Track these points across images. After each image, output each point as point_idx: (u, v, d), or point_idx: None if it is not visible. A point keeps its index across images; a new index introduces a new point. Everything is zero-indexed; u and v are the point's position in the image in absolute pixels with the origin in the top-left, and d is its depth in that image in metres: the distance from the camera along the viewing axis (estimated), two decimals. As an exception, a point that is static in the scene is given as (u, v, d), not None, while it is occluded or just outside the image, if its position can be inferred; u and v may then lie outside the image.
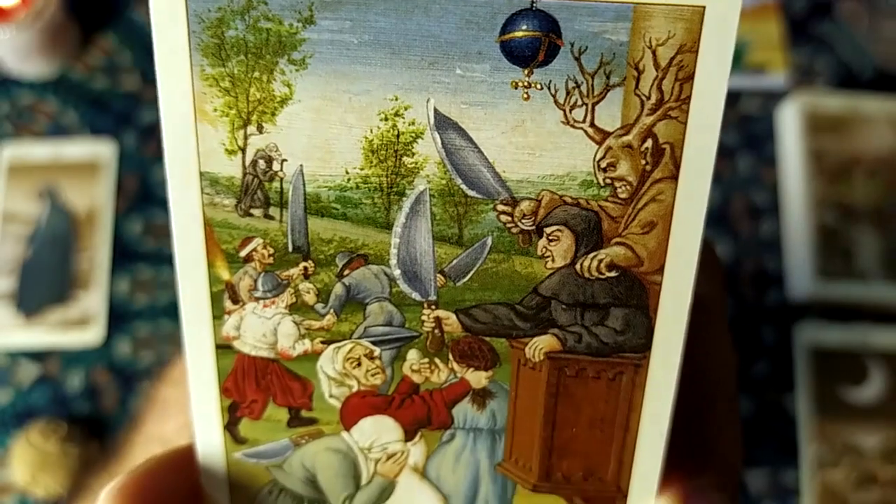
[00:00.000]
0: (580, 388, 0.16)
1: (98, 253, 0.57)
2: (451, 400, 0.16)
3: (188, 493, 0.17)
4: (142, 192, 0.59)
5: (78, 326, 0.55)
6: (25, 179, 0.58)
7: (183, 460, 0.17)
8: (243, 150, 0.15)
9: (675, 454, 0.16)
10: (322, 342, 0.16)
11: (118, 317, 0.56)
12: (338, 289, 0.16)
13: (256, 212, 0.15)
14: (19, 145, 0.59)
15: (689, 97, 0.13)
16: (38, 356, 0.55)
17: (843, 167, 0.58)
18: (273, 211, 0.15)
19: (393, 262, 0.15)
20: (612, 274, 0.15)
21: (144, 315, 0.56)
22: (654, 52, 0.13)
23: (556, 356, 0.16)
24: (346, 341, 0.16)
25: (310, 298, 0.16)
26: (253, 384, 0.16)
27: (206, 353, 0.16)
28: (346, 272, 0.15)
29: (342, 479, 0.17)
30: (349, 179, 0.14)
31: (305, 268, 0.16)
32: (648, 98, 0.14)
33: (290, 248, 0.15)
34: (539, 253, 0.15)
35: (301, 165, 0.15)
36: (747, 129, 0.61)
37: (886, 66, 0.63)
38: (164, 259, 0.57)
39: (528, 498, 0.17)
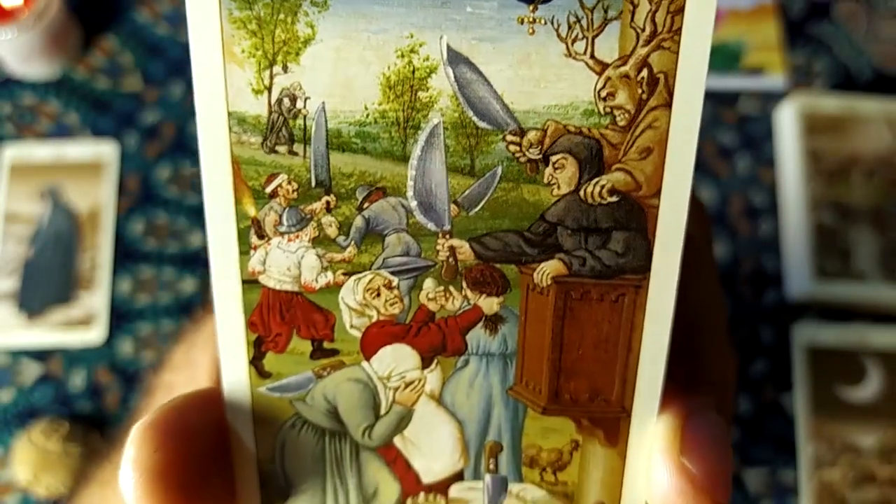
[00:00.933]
0: (585, 311, 0.16)
1: (100, 253, 0.57)
2: (464, 326, 0.17)
3: (214, 429, 0.17)
4: (143, 192, 0.59)
5: (80, 326, 0.55)
6: (27, 180, 0.58)
7: (209, 398, 0.17)
8: (269, 90, 0.15)
9: (672, 379, 0.17)
10: (343, 274, 0.17)
11: (120, 316, 0.56)
12: (358, 221, 0.16)
13: (281, 148, 0.16)
14: (21, 146, 0.59)
15: (679, 28, 0.14)
16: (40, 355, 0.55)
17: (841, 167, 0.59)
18: (297, 147, 0.16)
19: (410, 193, 0.16)
20: (613, 199, 0.16)
21: (146, 314, 0.56)
22: None
23: (562, 280, 0.16)
24: (366, 272, 0.17)
25: (332, 231, 0.16)
26: (278, 317, 0.17)
27: (234, 289, 0.17)
28: (365, 205, 0.16)
29: (362, 409, 0.18)
30: (368, 115, 0.15)
31: (328, 202, 0.16)
32: (643, 30, 0.14)
33: (313, 183, 0.16)
34: (545, 181, 0.15)
35: (323, 102, 0.15)
36: (746, 129, 0.61)
37: (884, 66, 0.63)
38: (166, 259, 0.58)
39: (538, 420, 0.17)
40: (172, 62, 0.62)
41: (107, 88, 0.61)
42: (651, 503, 0.17)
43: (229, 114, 0.16)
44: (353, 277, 0.17)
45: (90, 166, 0.59)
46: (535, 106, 0.15)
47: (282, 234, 0.16)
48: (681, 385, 0.17)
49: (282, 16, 0.14)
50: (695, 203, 0.17)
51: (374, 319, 0.17)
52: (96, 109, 0.61)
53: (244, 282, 0.17)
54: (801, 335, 0.56)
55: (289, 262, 0.17)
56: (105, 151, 0.59)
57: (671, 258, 0.16)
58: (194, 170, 0.60)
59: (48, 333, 0.55)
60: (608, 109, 0.15)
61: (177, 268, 0.57)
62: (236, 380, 0.17)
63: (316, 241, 0.16)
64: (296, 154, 0.16)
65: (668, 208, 0.15)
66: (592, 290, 0.16)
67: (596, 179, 0.16)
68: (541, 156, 0.15)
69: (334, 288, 0.17)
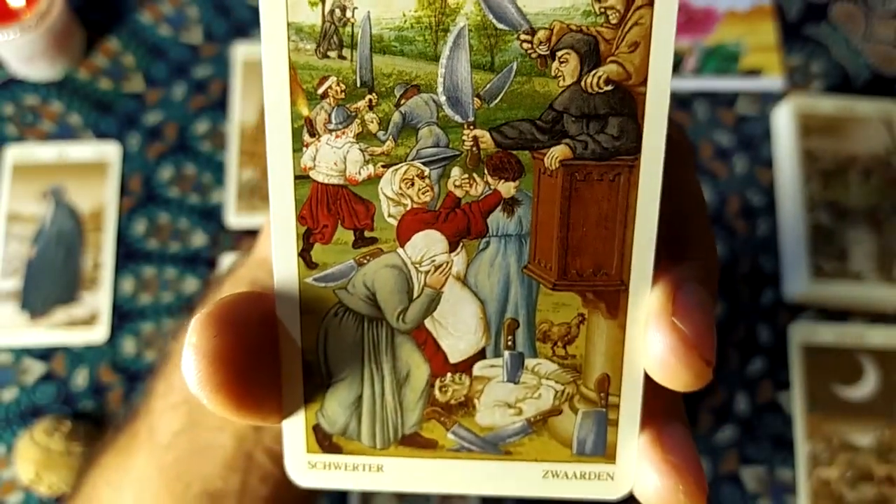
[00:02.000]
0: (588, 190, 0.18)
1: (102, 253, 0.57)
2: (486, 210, 0.19)
3: (264, 322, 0.19)
4: (145, 192, 0.59)
5: (82, 325, 0.56)
6: (30, 180, 0.59)
7: (259, 295, 0.19)
8: (323, 2, 0.18)
9: (662, 257, 0.19)
10: (382, 166, 0.19)
11: (122, 315, 0.56)
12: (395, 117, 0.18)
13: (332, 53, 0.18)
14: (24, 146, 0.60)
15: None
16: (42, 355, 0.56)
17: (838, 168, 0.59)
18: (345, 52, 0.18)
19: (440, 89, 0.18)
20: (609, 88, 0.18)
21: (148, 314, 0.57)
22: None
23: (568, 163, 0.18)
24: (401, 164, 0.19)
25: (373, 127, 0.18)
26: (325, 210, 0.19)
27: (287, 184, 0.19)
28: (402, 101, 0.18)
29: (397, 294, 0.19)
30: (406, 21, 0.18)
31: (370, 100, 0.18)
32: None
33: (358, 84, 0.18)
34: (552, 74, 0.18)
35: (368, 11, 0.18)
36: (743, 130, 0.62)
37: (881, 68, 0.64)
38: (168, 259, 0.58)
39: (549, 296, 0.19)
40: (174, 64, 0.62)
41: (109, 89, 0.61)
42: (647, 364, 0.19)
43: (288, 24, 0.18)
44: (391, 169, 0.19)
45: (92, 167, 0.59)
46: (543, 9, 0.17)
47: (330, 131, 0.18)
48: (669, 260, 0.19)
49: None
50: (677, 132, 0.20)
51: (408, 208, 0.19)
52: (99, 110, 0.61)
53: (296, 177, 0.19)
54: (798, 334, 0.57)
55: (336, 156, 0.19)
56: (107, 152, 0.60)
57: (657, 140, 0.18)
58: (196, 171, 0.60)
59: (51, 333, 0.56)
60: (602, 10, 0.17)
61: (179, 267, 0.58)
62: (287, 272, 0.19)
63: (359, 137, 0.18)
64: (344, 58, 0.18)
65: (653, 94, 0.18)
66: (594, 171, 0.18)
67: (594, 71, 0.18)
68: (549, 52, 0.18)
69: (374, 179, 0.19)
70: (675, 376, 0.18)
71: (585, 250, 0.19)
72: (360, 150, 0.18)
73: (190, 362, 0.17)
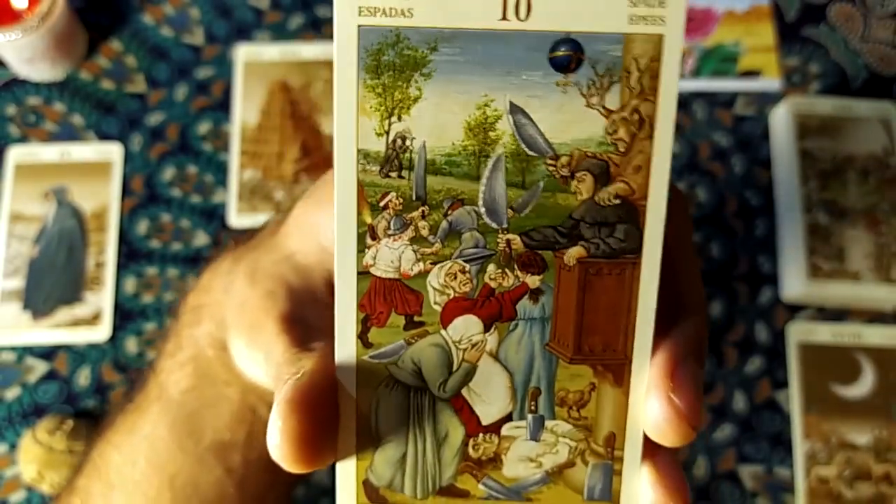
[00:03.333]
0: (599, 283, 0.22)
1: (105, 252, 0.58)
2: (515, 298, 0.23)
3: (331, 395, 0.22)
4: (148, 192, 0.60)
5: (85, 324, 0.56)
6: (33, 180, 0.59)
7: (330, 375, 0.22)
8: (387, 133, 0.21)
9: (660, 331, 0.22)
10: (431, 263, 0.22)
11: (124, 315, 0.57)
12: (443, 224, 0.22)
13: (393, 174, 0.22)
14: (26, 147, 0.60)
15: (657, 87, 0.21)
16: (45, 354, 0.56)
17: (835, 168, 0.59)
18: (404, 173, 0.22)
19: (480, 202, 0.22)
20: (617, 201, 0.22)
21: (150, 313, 0.57)
22: (636, 62, 0.21)
23: (583, 261, 0.22)
24: (447, 261, 0.22)
25: (425, 232, 0.22)
26: (381, 299, 0.23)
27: (351, 279, 0.22)
28: (449, 212, 0.22)
29: (440, 368, 0.23)
30: (454, 148, 0.22)
31: (423, 211, 0.22)
32: (635, 89, 0.21)
33: (413, 198, 0.22)
34: (572, 190, 0.22)
35: (424, 141, 0.21)
36: (741, 131, 0.62)
37: (879, 68, 0.64)
38: (170, 258, 0.58)
39: (566, 368, 0.23)
40: (176, 64, 0.63)
41: (111, 90, 0.62)
42: (645, 427, 0.23)
43: (358, 150, 0.21)
44: (438, 265, 0.22)
45: (95, 167, 0.59)
46: (565, 140, 0.21)
47: (389, 235, 0.22)
48: (667, 331, 0.23)
49: (399, 83, 0.21)
50: (679, 198, 0.24)
51: (451, 296, 0.23)
52: (101, 111, 0.61)
53: (359, 273, 0.22)
54: (796, 334, 0.57)
55: (392, 256, 0.22)
56: (109, 152, 0.60)
57: (655, 242, 0.22)
58: (197, 171, 0.60)
59: (53, 332, 0.56)
60: (613, 141, 0.21)
61: (180, 267, 0.58)
62: (347, 351, 0.23)
63: (413, 240, 0.22)
64: (402, 178, 0.22)
65: (653, 207, 0.22)
66: (604, 268, 0.22)
67: (606, 188, 0.22)
68: (569, 173, 0.22)
69: (424, 274, 0.23)
70: (667, 438, 0.22)
71: (596, 331, 0.22)
72: (413, 250, 0.22)
73: (275, 441, 0.21)
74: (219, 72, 0.62)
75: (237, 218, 0.59)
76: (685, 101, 0.63)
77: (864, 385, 0.56)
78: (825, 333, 0.57)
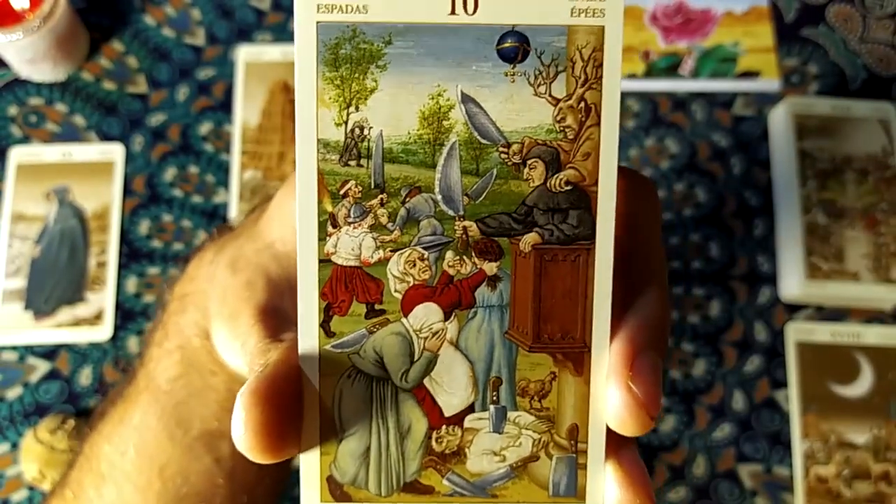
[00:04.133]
0: (554, 269, 0.23)
1: (106, 252, 0.58)
2: (473, 285, 0.23)
3: (295, 386, 0.23)
4: (149, 192, 0.60)
5: (87, 324, 0.56)
6: (35, 180, 0.59)
7: (294, 366, 0.23)
8: (346, 123, 0.22)
9: (618, 316, 0.23)
10: (390, 251, 0.23)
11: (126, 314, 0.57)
12: (402, 211, 0.23)
13: (352, 162, 0.22)
14: (28, 147, 0.60)
15: (601, 76, 0.22)
16: (47, 353, 0.56)
17: (834, 168, 0.59)
18: (363, 161, 0.22)
19: (437, 190, 0.22)
20: (568, 188, 0.22)
21: (151, 313, 0.57)
22: (580, 52, 0.22)
23: (538, 247, 0.23)
24: (406, 248, 0.23)
25: (384, 220, 0.23)
26: (343, 287, 0.23)
27: (313, 267, 0.22)
28: (407, 199, 0.22)
29: (401, 357, 0.23)
30: (410, 137, 0.22)
31: (382, 198, 0.22)
32: (580, 78, 0.22)
33: (372, 186, 0.22)
34: (524, 177, 0.22)
35: (381, 130, 0.22)
36: (740, 131, 0.62)
37: (877, 69, 0.64)
38: (171, 258, 0.58)
39: (526, 357, 0.23)
40: (178, 65, 0.63)
41: (113, 91, 0.62)
42: (606, 417, 0.23)
43: (318, 140, 0.22)
44: (398, 253, 0.23)
45: (96, 167, 0.60)
46: (516, 128, 0.22)
47: (349, 223, 0.22)
48: (627, 319, 0.23)
49: (357, 75, 0.22)
50: (644, 185, 0.26)
51: (411, 284, 0.23)
52: (103, 111, 0.62)
53: (320, 261, 0.22)
54: (795, 333, 0.57)
55: (353, 243, 0.23)
56: (111, 152, 0.60)
57: (607, 227, 0.22)
58: (198, 171, 0.60)
59: (55, 331, 0.56)
60: (562, 128, 0.22)
61: (181, 267, 0.58)
62: (309, 340, 0.23)
63: (372, 228, 0.23)
64: (361, 166, 0.22)
65: (603, 192, 0.22)
66: (559, 254, 0.23)
67: (556, 174, 0.22)
68: (521, 160, 0.22)
69: (384, 262, 0.23)
70: (626, 427, 0.22)
71: (554, 318, 0.23)
72: (373, 238, 0.23)
73: (239, 432, 0.21)
74: (220, 72, 0.63)
75: (238, 218, 0.59)
76: (684, 102, 0.63)
77: (862, 384, 0.56)
78: (824, 333, 0.57)
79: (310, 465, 0.23)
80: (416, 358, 0.23)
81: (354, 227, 0.22)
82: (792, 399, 0.56)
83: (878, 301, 0.57)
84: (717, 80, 0.62)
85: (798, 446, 0.55)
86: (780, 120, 0.61)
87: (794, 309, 0.58)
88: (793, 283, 0.57)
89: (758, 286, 0.59)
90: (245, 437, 0.21)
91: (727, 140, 0.62)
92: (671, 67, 0.63)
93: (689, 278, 0.59)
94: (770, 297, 0.59)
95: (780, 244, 0.59)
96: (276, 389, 0.22)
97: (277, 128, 0.61)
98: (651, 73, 0.63)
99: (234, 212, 0.59)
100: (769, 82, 0.62)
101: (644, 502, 0.22)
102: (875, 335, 0.57)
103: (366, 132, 0.22)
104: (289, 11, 0.65)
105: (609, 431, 0.23)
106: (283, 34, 0.64)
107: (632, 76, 0.62)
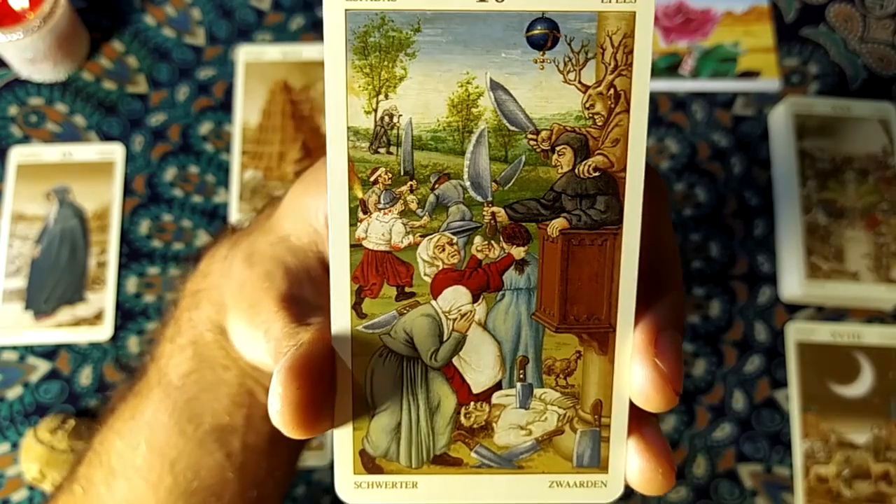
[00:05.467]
0: (582, 253, 0.23)
1: (106, 252, 0.58)
2: (501, 269, 0.23)
3: (329, 363, 0.23)
4: (149, 192, 0.60)
5: (87, 324, 0.56)
6: (35, 180, 0.59)
7: (327, 344, 0.23)
8: (375, 111, 0.22)
9: (641, 300, 0.23)
10: (420, 236, 0.23)
11: (126, 314, 0.57)
12: (431, 198, 0.23)
13: (382, 150, 0.22)
14: (29, 147, 0.60)
15: (631, 63, 0.22)
16: (47, 353, 0.56)
17: (834, 168, 0.59)
18: (392, 149, 0.22)
19: (465, 176, 0.23)
20: (597, 174, 0.22)
21: (152, 313, 0.57)
22: (610, 38, 0.22)
23: (566, 232, 0.23)
24: (435, 234, 0.23)
25: (413, 206, 0.23)
26: (374, 271, 0.23)
27: (345, 251, 0.23)
28: (436, 186, 0.23)
29: (431, 337, 0.24)
30: (439, 125, 0.22)
31: (411, 185, 0.23)
32: (610, 64, 0.22)
33: (402, 173, 0.23)
34: (553, 164, 0.23)
35: (410, 118, 0.22)
36: (741, 131, 0.62)
37: (877, 69, 0.64)
38: (171, 258, 0.58)
39: (552, 337, 0.24)
40: (178, 65, 0.63)
41: (113, 91, 0.62)
42: (631, 392, 0.23)
43: (348, 128, 0.22)
44: (427, 238, 0.23)
45: (97, 167, 0.60)
46: (545, 115, 0.22)
47: (379, 209, 0.23)
48: (648, 303, 0.24)
49: (386, 63, 0.22)
50: (653, 176, 0.25)
51: (440, 268, 0.23)
52: (103, 111, 0.62)
53: (351, 246, 0.23)
54: (795, 333, 0.57)
55: (383, 229, 0.23)
56: (111, 152, 0.60)
57: (635, 213, 0.23)
58: (198, 171, 0.60)
59: (55, 331, 0.56)
60: (590, 115, 0.22)
61: (182, 267, 0.58)
62: (342, 321, 0.23)
63: (402, 214, 0.23)
64: (391, 153, 0.22)
65: (631, 178, 0.22)
66: (586, 238, 0.23)
67: (585, 161, 0.22)
68: (550, 147, 0.22)
69: (413, 246, 0.23)
70: (652, 402, 0.23)
71: (581, 300, 0.23)
72: (403, 223, 0.23)
73: (276, 407, 0.22)
74: (220, 72, 0.63)
75: (239, 218, 0.59)
76: (684, 102, 0.63)
77: (862, 384, 0.56)
78: (824, 333, 0.57)
79: (343, 439, 0.24)
80: (445, 338, 0.24)
81: (384, 213, 0.23)
82: (792, 399, 0.56)
83: (878, 301, 0.57)
84: (717, 80, 0.62)
85: (798, 446, 0.55)
86: (780, 120, 0.61)
87: (794, 309, 0.58)
88: (793, 282, 0.57)
89: (758, 286, 0.59)
90: (281, 412, 0.22)
91: (727, 140, 0.62)
92: (671, 67, 0.63)
93: (689, 278, 0.59)
94: (770, 297, 0.59)
95: (780, 244, 0.59)
96: (311, 367, 0.22)
97: (277, 128, 0.61)
98: (651, 72, 0.63)
99: (234, 212, 0.59)
100: (769, 82, 0.62)
101: (666, 472, 0.23)
102: (875, 335, 0.57)
103: (395, 120, 0.22)
104: (289, 11, 0.65)
105: (632, 408, 0.24)
106: (283, 34, 0.64)
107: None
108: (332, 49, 0.22)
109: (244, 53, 0.63)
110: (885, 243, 0.58)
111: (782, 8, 0.65)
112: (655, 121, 0.62)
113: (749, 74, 0.62)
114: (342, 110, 0.22)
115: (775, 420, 0.56)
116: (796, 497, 0.54)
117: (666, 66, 0.63)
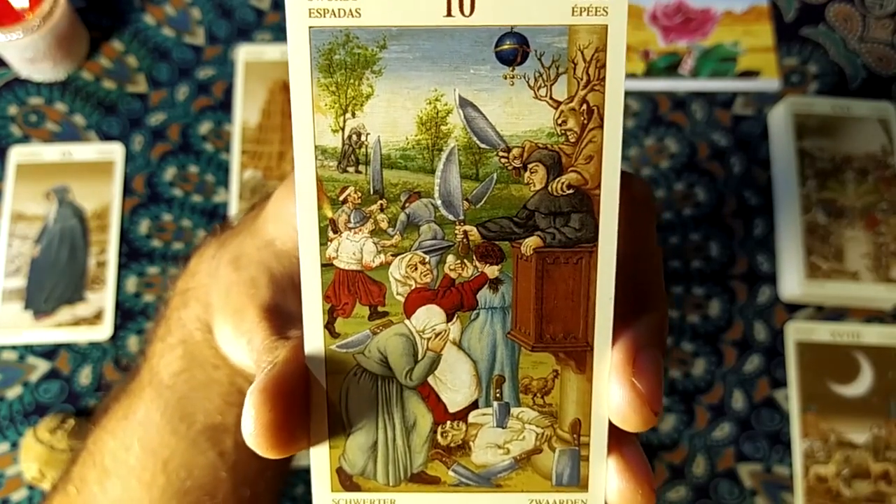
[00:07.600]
0: (556, 271, 0.23)
1: (106, 252, 0.58)
2: (475, 288, 0.23)
3: (303, 384, 0.23)
4: (149, 192, 0.60)
5: (86, 324, 0.56)
6: (34, 180, 0.59)
7: (301, 366, 0.23)
8: (343, 129, 0.22)
9: (621, 317, 0.23)
10: (392, 255, 0.23)
11: (126, 314, 0.57)
12: (402, 216, 0.23)
13: (350, 169, 0.22)
14: (28, 146, 0.60)
15: (604, 77, 0.21)
16: (47, 353, 0.56)
17: (834, 168, 0.59)
18: (361, 168, 0.22)
19: (436, 195, 0.22)
20: (570, 191, 0.22)
21: (151, 312, 0.57)
22: (582, 53, 0.21)
23: (540, 250, 0.23)
24: (407, 253, 0.23)
25: (384, 225, 0.23)
26: (346, 290, 0.23)
27: (316, 270, 0.23)
28: (407, 205, 0.23)
29: (405, 356, 0.23)
30: (408, 143, 0.22)
31: (381, 204, 0.23)
32: (582, 79, 0.21)
33: (371, 192, 0.22)
34: (525, 181, 0.22)
35: (378, 136, 0.22)
36: (740, 131, 0.62)
37: (877, 69, 0.64)
38: (171, 258, 0.58)
39: (528, 356, 0.23)
40: (178, 65, 0.63)
41: (113, 90, 0.62)
42: (609, 413, 0.23)
43: (315, 146, 0.22)
44: (399, 257, 0.23)
45: (96, 167, 0.60)
46: (516, 132, 0.22)
47: (350, 228, 0.23)
48: (629, 321, 0.23)
49: (352, 80, 0.21)
50: (641, 187, 0.26)
51: (413, 287, 0.23)
52: (102, 111, 0.62)
53: (322, 265, 0.23)
54: (794, 333, 0.57)
55: (354, 248, 0.23)
56: (111, 152, 0.60)
57: (610, 230, 0.22)
58: (198, 171, 0.60)
59: (55, 331, 0.56)
60: (563, 131, 0.22)
61: (181, 267, 0.58)
62: (315, 341, 0.23)
63: (373, 233, 0.23)
64: (360, 172, 0.22)
65: (606, 196, 0.22)
66: (560, 256, 0.23)
67: (558, 178, 0.22)
68: (521, 164, 0.22)
69: (385, 266, 0.23)
70: (630, 422, 0.22)
71: (556, 319, 0.23)
72: (374, 242, 0.23)
73: (249, 429, 0.22)
74: (220, 72, 0.63)
75: (238, 217, 0.59)
76: (684, 102, 0.63)
77: (862, 384, 0.56)
78: (824, 332, 0.57)
79: (320, 458, 0.24)
80: (419, 357, 0.23)
81: (355, 233, 0.23)
82: (792, 398, 0.56)
83: (877, 301, 0.57)
84: (717, 80, 0.62)
85: (798, 446, 0.55)
86: (779, 119, 0.61)
87: (793, 308, 0.58)
88: (792, 282, 0.57)
89: (758, 286, 0.59)
90: (255, 434, 0.22)
91: (727, 140, 0.62)
92: (671, 67, 0.63)
93: (689, 278, 0.59)
94: (770, 297, 0.59)
95: (779, 244, 0.59)
96: (284, 387, 0.22)
97: (277, 127, 0.61)
98: (651, 72, 0.63)
99: (234, 211, 0.59)
100: (769, 82, 0.62)
101: (646, 493, 0.23)
102: (875, 335, 0.57)
103: (363, 138, 0.22)
104: (289, 11, 0.65)
105: (611, 427, 0.23)
106: (283, 34, 0.63)
107: (631, 76, 0.62)
108: (297, 67, 0.21)
109: (244, 53, 0.63)
110: (884, 243, 0.58)
111: (782, 7, 0.65)
112: (655, 120, 0.62)
113: (749, 74, 0.62)
114: (309, 129, 0.22)
115: (775, 420, 0.56)
116: (796, 497, 0.54)
117: (665, 66, 0.63)
